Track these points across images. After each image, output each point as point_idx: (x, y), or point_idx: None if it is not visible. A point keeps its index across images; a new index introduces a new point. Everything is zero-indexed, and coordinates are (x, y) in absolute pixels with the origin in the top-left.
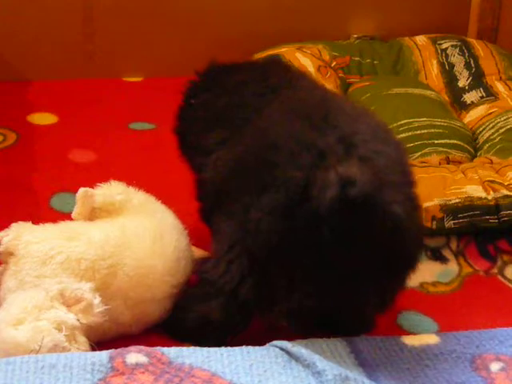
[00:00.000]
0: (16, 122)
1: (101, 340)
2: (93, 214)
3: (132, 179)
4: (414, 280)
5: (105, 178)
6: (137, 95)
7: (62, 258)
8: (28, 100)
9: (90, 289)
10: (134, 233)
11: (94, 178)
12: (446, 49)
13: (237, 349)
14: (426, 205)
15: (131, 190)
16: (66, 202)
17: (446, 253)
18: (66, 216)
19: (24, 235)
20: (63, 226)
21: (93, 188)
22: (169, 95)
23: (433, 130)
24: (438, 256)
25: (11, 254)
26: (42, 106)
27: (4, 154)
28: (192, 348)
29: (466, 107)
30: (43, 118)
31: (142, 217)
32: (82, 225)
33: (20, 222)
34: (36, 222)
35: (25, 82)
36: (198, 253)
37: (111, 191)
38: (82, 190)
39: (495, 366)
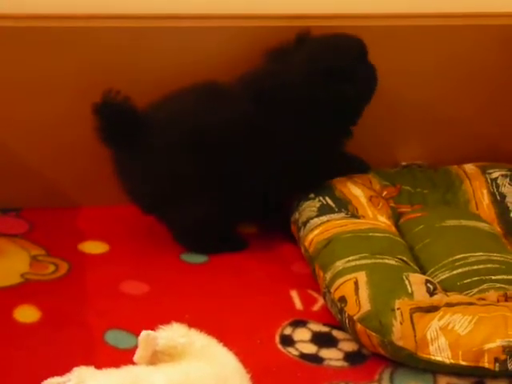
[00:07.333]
0: (67, 250)
1: None
2: (155, 358)
3: (184, 313)
4: None
5: (158, 312)
6: None
7: None
8: (78, 227)
9: None
10: (197, 378)
11: (146, 312)
12: (496, 178)
13: None
14: (488, 346)
15: (193, 332)
16: (120, 338)
17: None
18: (122, 352)
19: (86, 381)
20: (125, 370)
21: (153, 329)
22: None
23: (490, 265)
24: None
25: None
26: (93, 233)
27: (55, 285)
28: None
29: None
30: (94, 247)
31: (204, 361)
32: (145, 369)
33: (82, 367)
34: (92, 358)
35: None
36: None
37: (173, 334)
38: (144, 334)
39: None
